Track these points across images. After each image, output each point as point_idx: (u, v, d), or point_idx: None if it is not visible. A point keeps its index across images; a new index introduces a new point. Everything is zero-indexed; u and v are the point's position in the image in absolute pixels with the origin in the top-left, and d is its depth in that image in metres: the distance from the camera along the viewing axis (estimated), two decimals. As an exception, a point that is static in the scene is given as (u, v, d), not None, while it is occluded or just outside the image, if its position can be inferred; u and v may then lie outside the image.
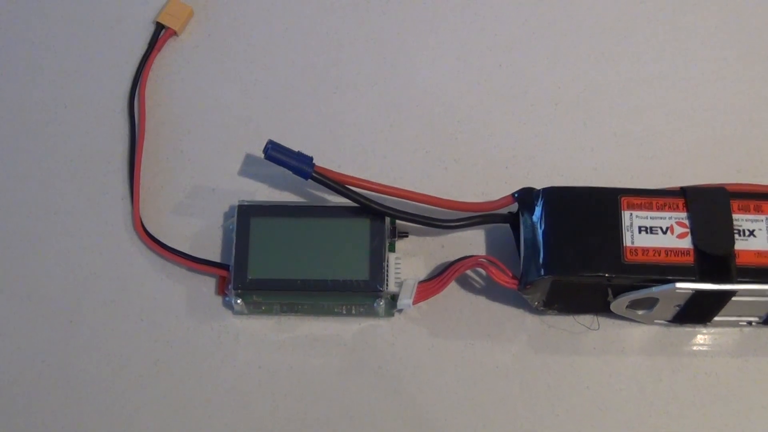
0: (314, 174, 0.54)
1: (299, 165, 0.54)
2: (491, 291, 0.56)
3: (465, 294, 0.57)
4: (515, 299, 0.56)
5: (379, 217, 0.54)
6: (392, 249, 0.55)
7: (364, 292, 0.54)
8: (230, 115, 0.59)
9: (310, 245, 0.54)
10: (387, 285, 0.54)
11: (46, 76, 0.60)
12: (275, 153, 0.54)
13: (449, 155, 0.59)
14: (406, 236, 0.55)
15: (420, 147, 0.59)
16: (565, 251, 0.51)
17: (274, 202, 0.56)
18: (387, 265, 0.54)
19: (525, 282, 0.52)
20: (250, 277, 0.54)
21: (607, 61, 0.59)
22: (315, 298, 0.55)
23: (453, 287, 0.57)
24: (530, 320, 0.56)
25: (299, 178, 0.55)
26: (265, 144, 0.54)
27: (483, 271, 0.55)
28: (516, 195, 0.54)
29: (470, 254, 0.54)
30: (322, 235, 0.54)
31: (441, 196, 0.55)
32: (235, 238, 0.54)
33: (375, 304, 0.55)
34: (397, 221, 0.56)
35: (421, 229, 0.57)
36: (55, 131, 0.59)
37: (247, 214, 0.55)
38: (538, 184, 0.54)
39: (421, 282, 0.55)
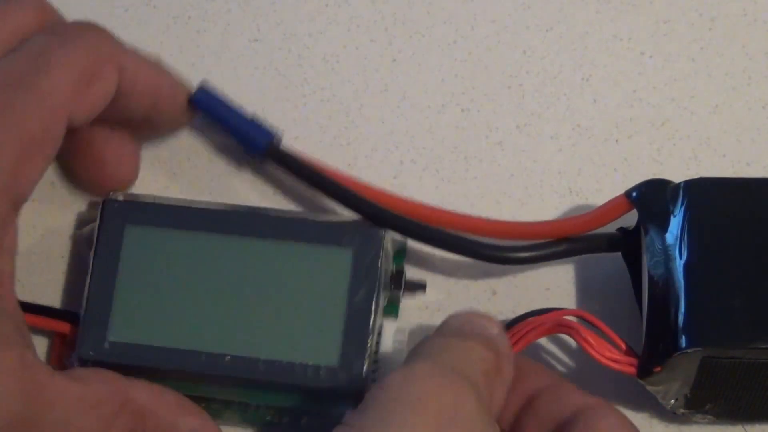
0: (273, 151, 0.45)
1: (243, 128, 0.45)
2: (583, 373, 0.45)
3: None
4: (633, 391, 0.44)
5: (371, 244, 0.43)
6: (393, 311, 0.44)
7: (326, 390, 0.42)
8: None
9: (233, 289, 0.43)
10: (372, 381, 0.42)
11: None
12: (211, 96, 0.44)
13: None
14: (423, 290, 0.44)
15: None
16: (729, 303, 0.41)
17: (175, 200, 0.44)
18: (378, 344, 0.43)
19: (651, 361, 0.42)
20: (111, 339, 0.43)
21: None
22: (232, 391, 0.43)
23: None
24: (662, 430, 0.45)
25: (249, 157, 0.46)
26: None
27: (570, 340, 0.43)
28: (634, 195, 0.43)
29: (547, 307, 0.43)
30: (258, 271, 0.43)
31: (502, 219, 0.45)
32: (91, 262, 0.43)
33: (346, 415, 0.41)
34: (407, 256, 0.45)
35: (458, 264, 0.46)
36: None
37: (118, 218, 0.44)
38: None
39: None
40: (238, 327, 0.42)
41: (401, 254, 0.44)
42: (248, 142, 0.44)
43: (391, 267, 0.44)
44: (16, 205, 0.37)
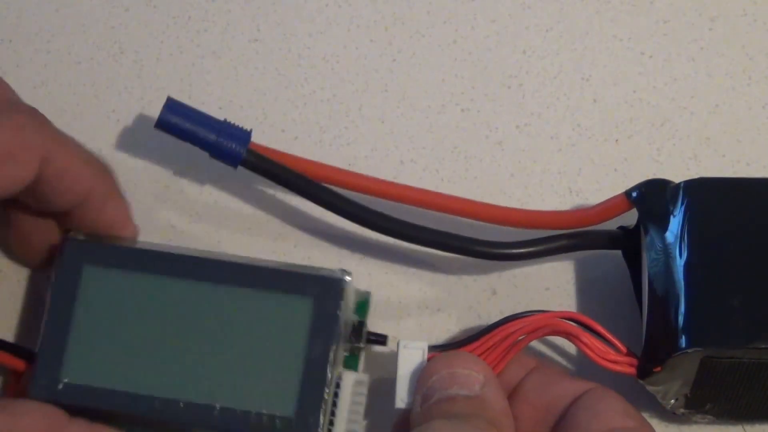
0: (248, 157, 0.44)
1: (217, 139, 0.43)
2: (583, 373, 0.45)
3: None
4: (633, 391, 0.44)
5: (331, 294, 0.42)
6: (353, 364, 0.43)
7: None
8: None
9: (191, 334, 0.42)
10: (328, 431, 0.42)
11: None
12: (175, 118, 0.43)
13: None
14: (384, 343, 0.43)
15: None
16: (729, 303, 0.41)
17: (136, 243, 0.44)
18: (336, 395, 0.42)
19: (651, 361, 0.42)
20: (65, 380, 0.42)
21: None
22: None
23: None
24: (662, 430, 0.45)
25: (221, 166, 0.44)
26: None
27: (569, 344, 0.43)
28: (634, 194, 0.43)
29: (543, 309, 0.43)
30: (217, 318, 0.42)
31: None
32: (48, 301, 0.42)
33: None
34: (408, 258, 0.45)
35: (458, 263, 0.46)
36: None
37: (77, 257, 0.43)
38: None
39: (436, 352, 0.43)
40: (194, 373, 0.42)
41: (364, 306, 0.44)
42: (220, 157, 0.44)
43: (353, 318, 0.43)
44: None
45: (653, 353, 0.41)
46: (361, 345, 0.43)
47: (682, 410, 0.43)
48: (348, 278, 0.41)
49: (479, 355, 0.43)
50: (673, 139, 0.47)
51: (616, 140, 0.47)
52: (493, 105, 0.48)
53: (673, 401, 0.43)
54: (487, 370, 0.39)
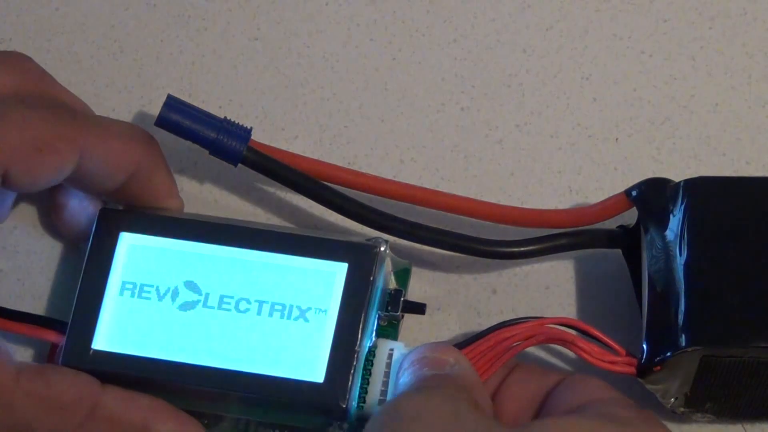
0: (248, 155, 0.43)
1: (217, 136, 0.43)
2: (583, 372, 0.44)
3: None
4: (633, 390, 0.43)
5: (366, 260, 0.41)
6: (391, 334, 0.43)
7: (310, 406, 0.41)
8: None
9: (223, 301, 0.42)
10: (356, 401, 0.41)
11: None
12: (175, 115, 0.43)
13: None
14: (422, 311, 0.43)
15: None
16: (729, 302, 0.41)
17: (170, 212, 0.44)
18: (370, 363, 0.42)
19: (651, 361, 0.42)
20: (95, 348, 0.42)
21: None
22: (217, 405, 0.42)
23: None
24: None
25: (222, 163, 0.44)
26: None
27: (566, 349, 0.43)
28: (634, 193, 0.43)
29: (537, 316, 0.42)
30: (250, 284, 0.42)
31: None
32: (82, 270, 0.42)
33: None
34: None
35: (458, 262, 0.46)
36: None
37: (113, 225, 0.43)
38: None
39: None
40: (225, 339, 0.42)
41: (404, 275, 0.44)
42: (220, 155, 0.44)
43: (390, 287, 0.43)
44: None
45: (653, 352, 0.41)
46: (399, 314, 0.43)
47: (682, 409, 0.43)
48: (384, 246, 0.41)
49: (471, 359, 0.43)
50: (673, 138, 0.47)
51: (616, 139, 0.47)
52: (493, 104, 0.48)
53: (673, 400, 0.43)
54: (458, 354, 0.40)
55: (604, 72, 0.48)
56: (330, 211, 0.43)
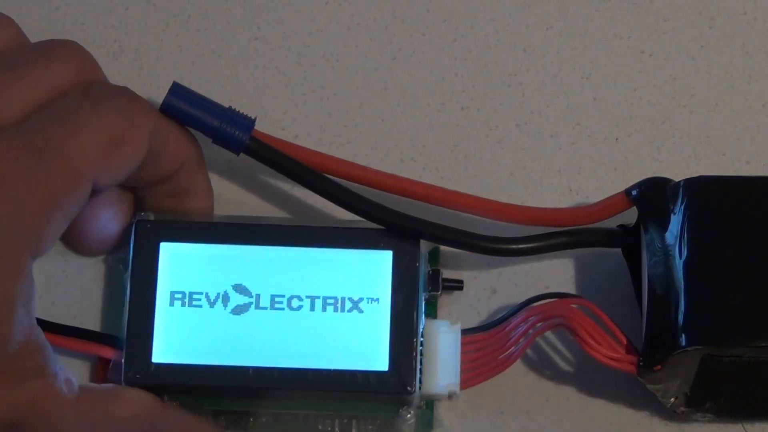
0: (251, 144, 0.43)
1: (221, 124, 0.42)
2: (583, 371, 0.45)
3: (536, 379, 0.46)
4: (633, 389, 0.44)
5: (409, 245, 0.42)
6: (431, 312, 0.44)
7: (377, 395, 0.41)
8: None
9: (275, 300, 0.42)
10: (422, 383, 0.42)
11: None
12: (179, 102, 0.42)
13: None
14: (461, 287, 0.44)
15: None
16: (729, 301, 0.41)
17: (203, 219, 0.44)
18: (422, 344, 0.42)
19: (651, 360, 0.42)
20: (156, 361, 0.41)
21: None
22: (283, 404, 0.43)
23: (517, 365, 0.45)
24: (662, 429, 0.45)
25: (224, 154, 0.43)
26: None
27: (570, 338, 0.44)
28: (634, 193, 0.43)
29: (551, 292, 0.44)
30: (299, 280, 0.42)
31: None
32: (129, 285, 0.42)
33: (398, 418, 0.42)
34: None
35: (457, 262, 0.46)
36: None
37: (152, 236, 0.42)
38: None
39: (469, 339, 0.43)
40: (284, 338, 0.42)
41: (436, 254, 0.44)
42: (223, 142, 0.43)
43: (428, 267, 0.43)
44: (35, 258, 0.37)
45: (653, 351, 0.41)
46: (438, 293, 0.43)
47: (682, 408, 0.43)
48: None
49: (500, 339, 0.43)
50: (673, 138, 0.47)
51: (616, 139, 0.47)
52: (493, 103, 0.48)
53: (673, 399, 0.43)
54: None
55: (604, 72, 0.48)
56: (331, 204, 0.44)
